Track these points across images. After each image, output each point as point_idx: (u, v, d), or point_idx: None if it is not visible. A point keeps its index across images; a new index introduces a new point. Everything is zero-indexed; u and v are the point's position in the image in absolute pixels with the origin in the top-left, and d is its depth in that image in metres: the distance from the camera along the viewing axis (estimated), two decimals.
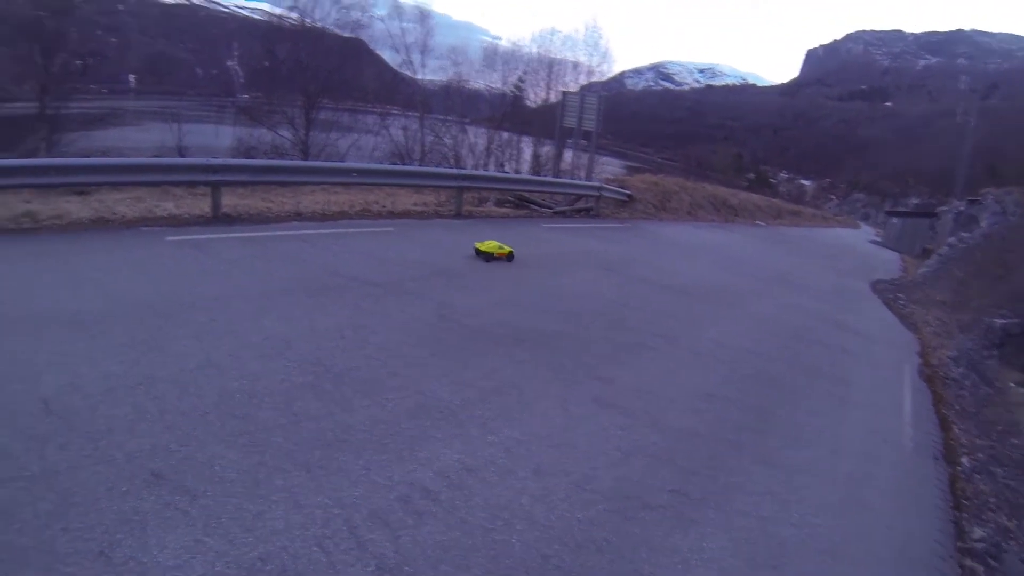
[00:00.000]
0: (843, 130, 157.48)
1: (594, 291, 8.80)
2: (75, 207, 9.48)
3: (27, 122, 23.90)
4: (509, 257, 9.24)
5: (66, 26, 25.61)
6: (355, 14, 27.34)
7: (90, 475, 3.13)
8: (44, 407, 3.69)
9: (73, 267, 6.72)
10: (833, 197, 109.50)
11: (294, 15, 26.94)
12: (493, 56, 30.71)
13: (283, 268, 7.43)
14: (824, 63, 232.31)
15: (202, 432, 3.63)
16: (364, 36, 28.78)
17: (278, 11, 28.96)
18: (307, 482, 3.34)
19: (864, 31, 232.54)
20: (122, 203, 9.96)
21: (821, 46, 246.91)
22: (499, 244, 9.23)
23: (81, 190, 10.32)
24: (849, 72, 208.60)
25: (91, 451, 3.33)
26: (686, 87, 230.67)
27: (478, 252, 9.13)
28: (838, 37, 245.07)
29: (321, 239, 8.94)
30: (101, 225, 8.82)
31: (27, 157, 16.46)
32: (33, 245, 7.56)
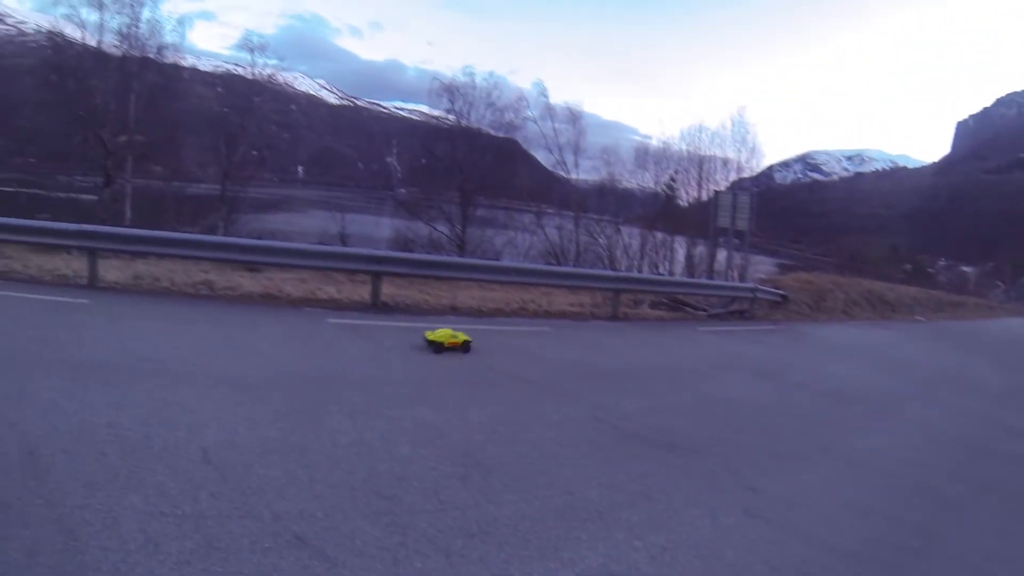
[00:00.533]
0: (1004, 206, 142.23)
1: (748, 396, 8.47)
2: (247, 281, 10.79)
3: (209, 202, 27.45)
4: (465, 347, 8.16)
5: (246, 122, 29.22)
6: (509, 115, 28.98)
7: (237, 526, 3.34)
8: (203, 456, 4.12)
9: (242, 335, 7.66)
10: (1000, 283, 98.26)
11: (451, 116, 28.86)
12: (644, 155, 31.55)
13: (439, 359, 7.72)
14: (976, 134, 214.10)
15: (348, 505, 3.77)
16: (518, 137, 30.40)
17: (435, 112, 31.18)
18: (446, 568, 3.33)
19: (1016, 92, 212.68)
20: (289, 282, 11.09)
21: (971, 116, 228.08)
22: (452, 332, 8.31)
23: (253, 267, 11.43)
24: (1004, 140, 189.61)
25: (240, 504, 3.58)
26: (835, 176, 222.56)
27: (428, 343, 8.08)
28: (988, 103, 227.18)
29: (476, 335, 9.20)
30: (269, 300, 10.01)
31: (208, 233, 18.86)
32: (208, 311, 8.82)
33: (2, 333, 7.01)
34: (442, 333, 8.18)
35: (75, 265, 10.64)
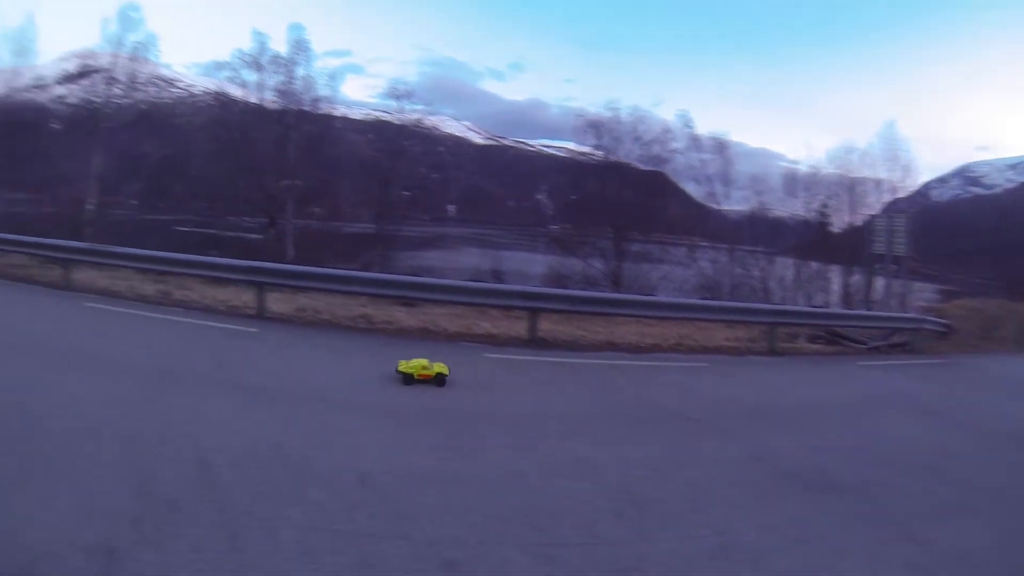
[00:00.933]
0: None
1: (911, 437, 7.82)
2: (404, 316, 11.40)
3: (366, 240, 29.05)
4: (438, 380, 7.38)
5: (398, 164, 30.94)
6: (656, 148, 28.60)
7: (390, 546, 3.47)
8: (361, 479, 4.34)
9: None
10: None
11: (598, 152, 28.90)
12: (793, 182, 30.20)
13: (595, 395, 7.79)
14: None
15: (500, 535, 3.81)
16: (666, 169, 29.89)
17: (582, 148, 31.36)
18: None
19: None
20: (444, 318, 11.51)
21: None
22: (426, 363, 7.46)
23: (409, 302, 11.91)
24: None
25: (395, 526, 3.72)
26: (998, 189, 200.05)
27: (399, 374, 7.35)
28: None
29: (634, 370, 9.15)
30: (425, 335, 10.41)
31: (365, 269, 20.00)
32: (367, 343, 9.42)
33: (181, 355, 7.84)
34: (415, 364, 7.45)
35: (244, 297, 11.68)
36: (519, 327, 11.05)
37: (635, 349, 11.11)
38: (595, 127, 28.45)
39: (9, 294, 11.95)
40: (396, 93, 31.58)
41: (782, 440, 6.86)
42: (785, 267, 26.68)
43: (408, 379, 7.30)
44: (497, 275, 23.13)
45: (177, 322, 9.88)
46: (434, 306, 12.06)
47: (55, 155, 40.14)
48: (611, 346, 11.03)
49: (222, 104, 33.11)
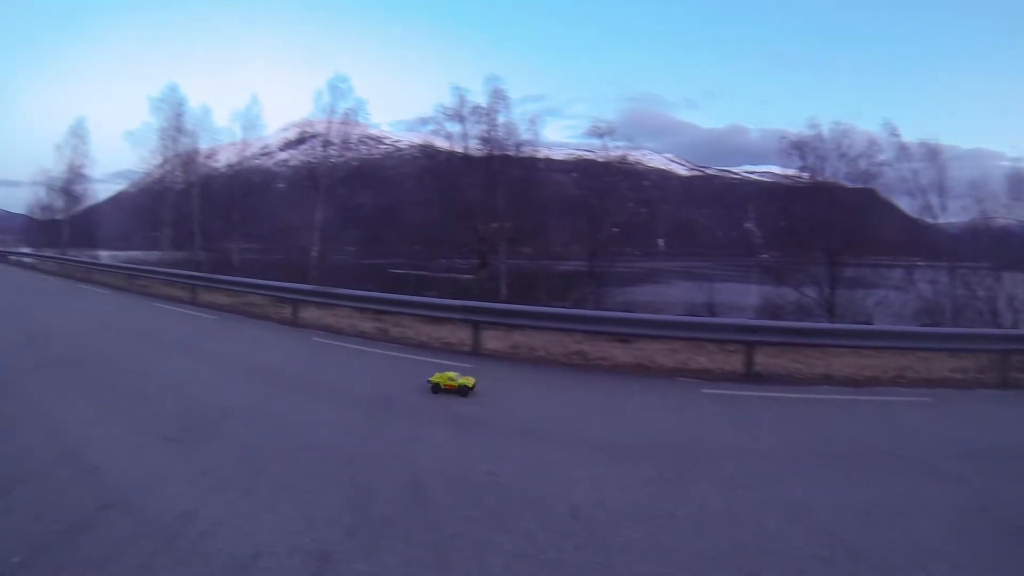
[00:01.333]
0: None
1: None
2: (618, 352, 11.36)
3: (577, 278, 29.71)
4: (461, 391, 7.87)
5: (605, 201, 31.21)
6: (863, 163, 26.64)
7: None
8: (571, 512, 4.41)
9: (615, 403, 8.06)
10: None
11: (804, 174, 27.44)
12: (1018, 183, 26.55)
13: (812, 432, 7.35)
14: None
15: (707, 574, 3.73)
16: (875, 185, 27.65)
17: (788, 171, 29.86)
18: None
19: None
20: (659, 353, 11.36)
21: None
22: (454, 375, 8.11)
23: (623, 338, 11.91)
24: None
25: (602, 560, 3.73)
26: None
27: (430, 383, 8.09)
28: None
29: (851, 406, 8.57)
30: (640, 371, 10.30)
31: (578, 307, 20.36)
32: (582, 379, 9.48)
33: (398, 386, 8.41)
34: (443, 376, 8.20)
35: (460, 334, 12.27)
36: (735, 361, 10.68)
37: (852, 383, 10.36)
38: (797, 147, 27.25)
39: (248, 329, 13.74)
40: (597, 131, 31.96)
41: (1015, 488, 6.07)
42: (1016, 284, 23.72)
43: (436, 388, 8.06)
44: (710, 308, 22.51)
45: (395, 357, 10.61)
46: (649, 342, 11.96)
47: (282, 210, 45.13)
48: (828, 380, 10.36)
49: (428, 155, 35.57)
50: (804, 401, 8.80)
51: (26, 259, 39.48)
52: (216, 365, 9.84)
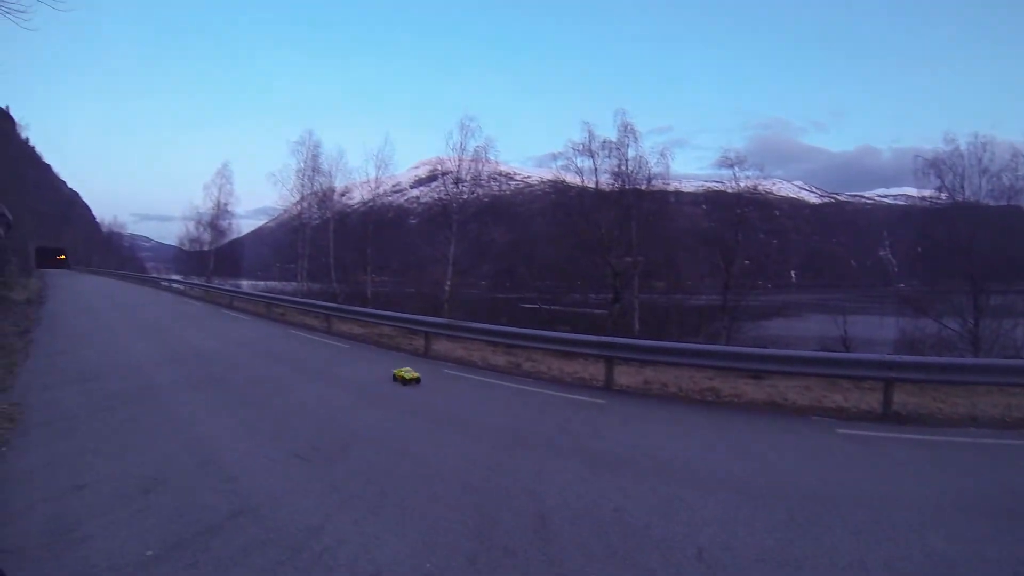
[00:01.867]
0: None
1: None
2: (750, 388, 11.37)
3: (709, 312, 29.71)
4: (406, 383, 10.95)
5: (736, 233, 31.21)
6: (1007, 179, 24.93)
7: None
8: (697, 554, 4.57)
9: (746, 442, 8.06)
10: None
11: (942, 194, 26.02)
12: None
13: (956, 479, 7.01)
14: None
15: None
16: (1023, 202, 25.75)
17: (924, 192, 28.35)
18: None
19: None
20: (793, 390, 11.29)
21: None
22: (409, 369, 11.29)
23: (755, 374, 11.93)
24: None
25: None
26: None
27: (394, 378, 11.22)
28: None
29: (1000, 450, 8.16)
30: (773, 408, 10.23)
31: (711, 341, 20.33)
32: (713, 416, 9.47)
33: (529, 420, 8.78)
34: (403, 371, 11.30)
35: (591, 369, 12.67)
36: (872, 399, 10.43)
37: (1000, 424, 9.78)
38: (934, 166, 26.18)
39: (379, 358, 14.37)
40: (727, 162, 32.10)
41: None
42: None
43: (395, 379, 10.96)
44: (845, 343, 21.74)
45: (526, 391, 10.93)
46: (781, 378, 11.90)
47: (414, 245, 46.86)
48: (973, 420, 9.85)
49: (559, 191, 36.33)
50: (947, 444, 8.48)
51: (176, 285, 43.91)
52: (347, 391, 10.53)
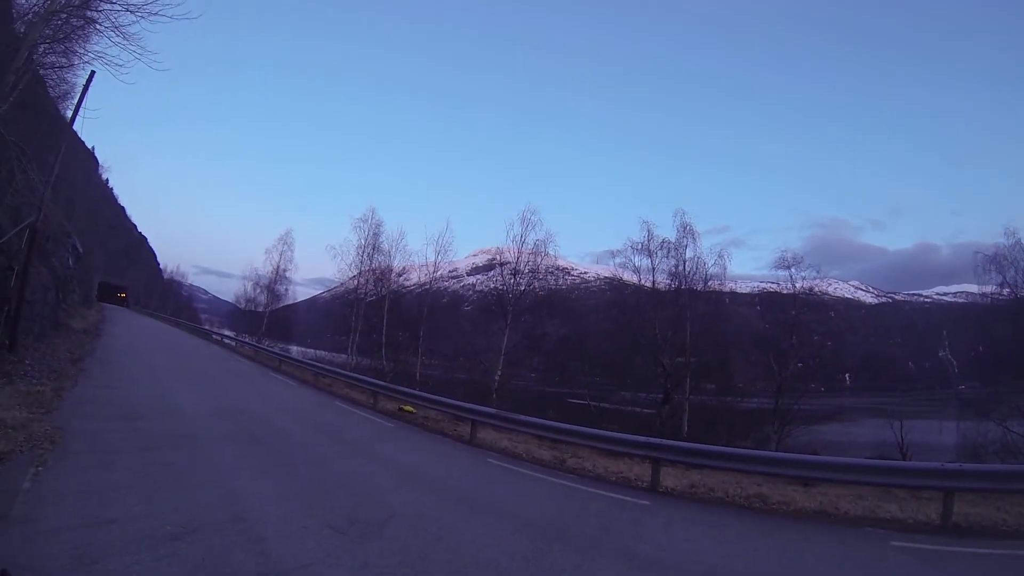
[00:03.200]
0: None
1: None
2: (800, 496, 10.83)
3: (759, 415, 28.73)
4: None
5: (790, 335, 30.10)
6: None
7: None
8: None
9: (795, 553, 7.75)
10: None
11: (1003, 290, 25.21)
12: None
13: None
14: None
15: None
16: None
17: (985, 289, 27.44)
18: None
19: None
20: (844, 499, 10.72)
21: None
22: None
23: (805, 481, 11.49)
24: None
25: None
26: None
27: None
28: None
29: None
30: (823, 518, 9.72)
31: (760, 446, 19.68)
32: (760, 524, 9.11)
33: (572, 517, 8.53)
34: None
35: (636, 469, 12.33)
36: (929, 510, 9.81)
37: None
38: (994, 262, 25.38)
39: (423, 441, 14.42)
40: (783, 264, 31.63)
41: None
42: None
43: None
44: (901, 449, 20.86)
45: (570, 487, 10.67)
46: (832, 486, 11.38)
47: (466, 332, 47.27)
48: None
49: (615, 288, 36.64)
50: (1012, 558, 7.98)
51: (227, 340, 45.26)
52: (388, 469, 10.32)
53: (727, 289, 35.85)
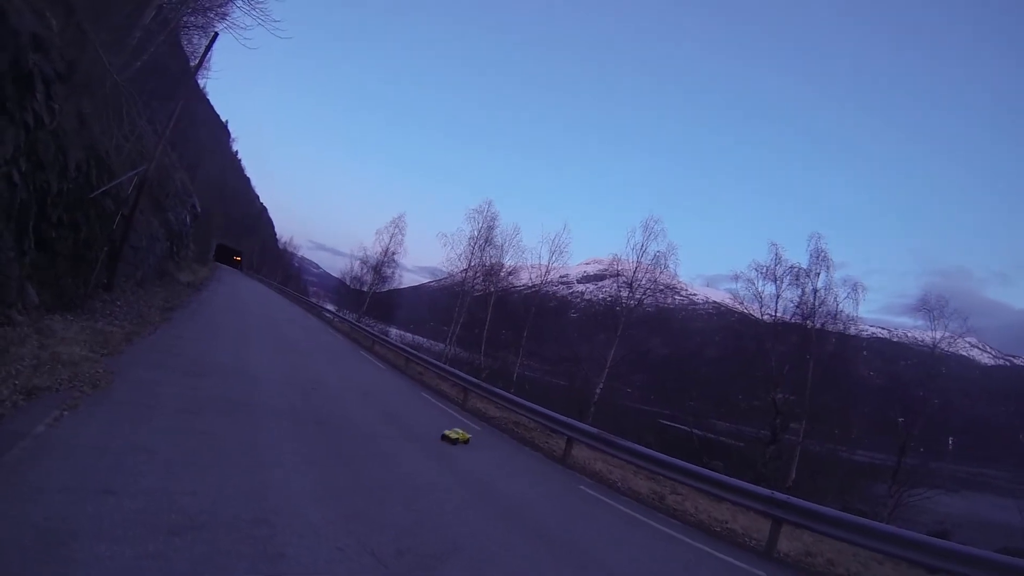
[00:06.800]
0: None
1: None
2: None
3: (871, 471, 26.54)
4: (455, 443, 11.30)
5: (923, 392, 28.06)
6: None
7: None
8: None
9: None
10: None
11: None
12: None
13: None
14: None
15: None
16: None
17: None
18: None
19: None
20: None
21: None
22: (460, 431, 11.80)
23: (931, 569, 9.97)
24: None
25: None
26: None
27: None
28: None
29: None
30: None
31: (871, 507, 17.98)
32: None
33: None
34: (455, 432, 11.72)
35: (741, 520, 10.82)
36: None
37: None
38: None
39: (511, 453, 12.70)
40: (926, 307, 29.20)
41: None
42: None
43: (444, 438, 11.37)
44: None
45: (671, 538, 9.09)
46: None
47: (571, 339, 46.61)
48: None
49: (722, 313, 35.17)
50: None
51: (326, 314, 45.82)
52: (463, 483, 8.68)
53: (851, 332, 32.60)
